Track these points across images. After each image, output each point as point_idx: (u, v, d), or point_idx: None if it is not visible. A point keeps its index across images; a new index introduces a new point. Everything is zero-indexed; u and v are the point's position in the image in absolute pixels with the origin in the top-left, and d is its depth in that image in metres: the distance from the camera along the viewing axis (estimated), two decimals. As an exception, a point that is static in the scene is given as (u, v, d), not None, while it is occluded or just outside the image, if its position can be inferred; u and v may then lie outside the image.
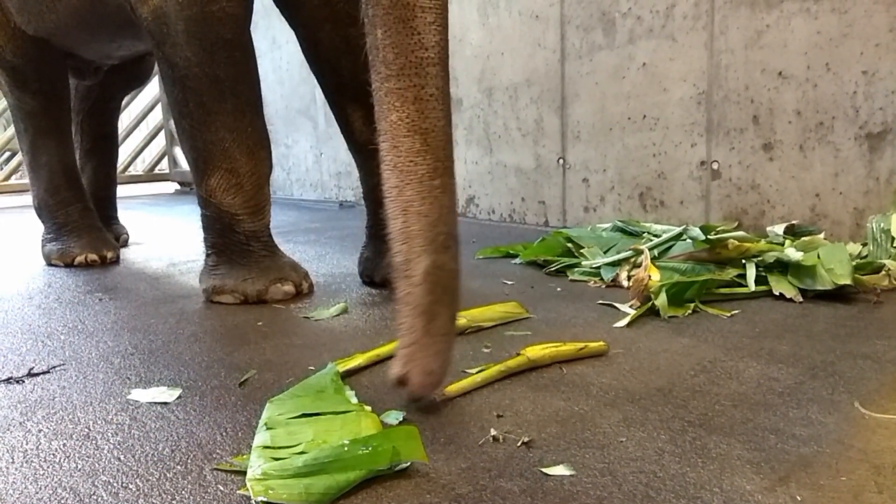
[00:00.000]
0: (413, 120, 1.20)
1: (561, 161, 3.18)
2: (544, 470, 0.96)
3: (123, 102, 4.85)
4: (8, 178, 6.29)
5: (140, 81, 3.45)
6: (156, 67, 3.39)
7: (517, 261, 2.46)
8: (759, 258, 1.98)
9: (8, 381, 1.42)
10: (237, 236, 2.01)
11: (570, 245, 2.41)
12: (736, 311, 1.73)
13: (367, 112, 2.12)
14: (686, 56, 2.64)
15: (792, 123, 2.38)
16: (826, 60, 2.27)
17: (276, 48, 4.95)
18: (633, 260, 2.11)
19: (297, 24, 2.16)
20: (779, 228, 2.34)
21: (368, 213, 2.24)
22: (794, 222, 2.37)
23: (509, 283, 2.15)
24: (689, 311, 1.74)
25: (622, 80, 2.87)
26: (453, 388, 1.24)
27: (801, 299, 1.81)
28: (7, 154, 6.89)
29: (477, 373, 1.31)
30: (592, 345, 1.44)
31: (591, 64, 2.97)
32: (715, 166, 2.61)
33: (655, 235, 2.39)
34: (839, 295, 1.81)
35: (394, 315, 1.80)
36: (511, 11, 3.28)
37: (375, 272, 2.17)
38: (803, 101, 2.35)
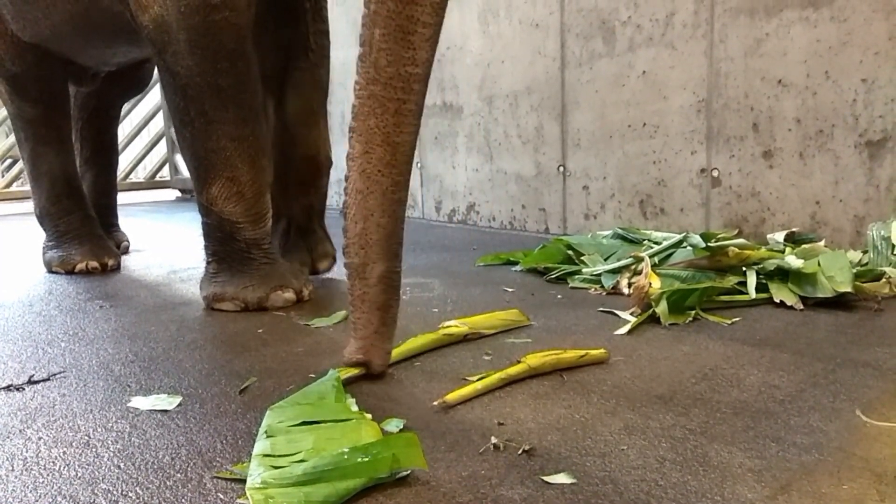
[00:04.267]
0: (389, 131, 1.25)
1: (561, 168, 3.19)
2: (545, 478, 0.96)
3: (125, 110, 4.87)
4: (9, 185, 6.30)
5: (139, 89, 3.46)
6: (155, 74, 3.42)
7: (518, 268, 2.46)
8: (760, 266, 1.98)
9: (8, 388, 1.42)
10: (238, 244, 2.01)
11: (570, 252, 2.41)
12: (737, 319, 1.73)
13: (277, 103, 2.37)
14: (686, 64, 2.65)
15: (792, 131, 2.39)
16: (825, 68, 2.28)
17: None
18: (633, 267, 2.11)
19: None
20: (779, 236, 2.34)
21: (282, 197, 2.39)
22: (794, 230, 2.37)
23: (510, 290, 2.15)
24: (690, 319, 1.74)
25: (622, 88, 2.87)
26: (454, 395, 1.24)
27: (801, 307, 1.81)
28: (8, 161, 6.91)
29: (478, 380, 1.30)
30: (593, 352, 1.44)
31: (591, 72, 2.98)
32: (715, 174, 2.62)
33: (656, 243, 2.39)
34: (840, 302, 1.81)
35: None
36: (511, 20, 3.29)
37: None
38: (803, 109, 2.35)
